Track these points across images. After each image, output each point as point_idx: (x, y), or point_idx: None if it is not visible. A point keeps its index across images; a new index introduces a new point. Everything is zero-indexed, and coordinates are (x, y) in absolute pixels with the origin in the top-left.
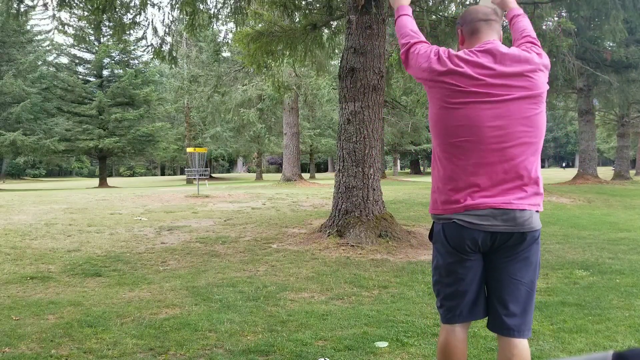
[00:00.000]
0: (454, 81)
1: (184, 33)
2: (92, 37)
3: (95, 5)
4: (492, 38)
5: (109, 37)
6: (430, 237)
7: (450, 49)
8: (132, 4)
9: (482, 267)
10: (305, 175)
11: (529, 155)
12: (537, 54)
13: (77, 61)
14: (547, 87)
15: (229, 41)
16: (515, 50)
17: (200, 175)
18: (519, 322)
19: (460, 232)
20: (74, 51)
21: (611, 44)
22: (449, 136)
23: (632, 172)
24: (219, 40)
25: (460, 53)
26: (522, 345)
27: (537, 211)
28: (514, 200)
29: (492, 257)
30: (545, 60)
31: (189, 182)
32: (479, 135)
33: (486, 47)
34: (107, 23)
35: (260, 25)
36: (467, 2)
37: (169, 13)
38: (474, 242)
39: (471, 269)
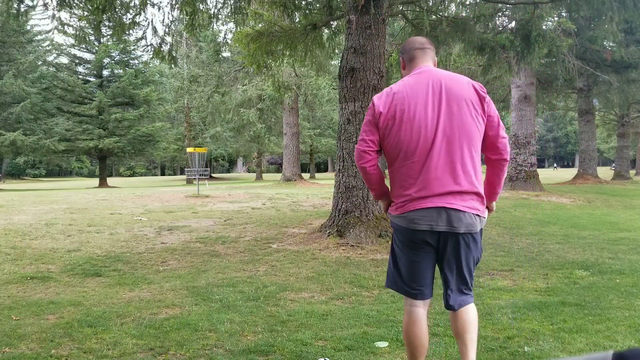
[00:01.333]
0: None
1: (184, 33)
2: (92, 37)
3: (95, 5)
4: (427, 63)
5: (109, 37)
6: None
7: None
8: (132, 4)
9: (433, 258)
10: (305, 175)
11: (467, 161)
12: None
13: (77, 61)
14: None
15: (229, 41)
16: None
17: (200, 175)
18: (463, 297)
19: (411, 230)
20: (74, 51)
21: (611, 44)
22: (401, 150)
23: (632, 172)
24: (219, 40)
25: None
26: (468, 311)
27: (476, 215)
28: (453, 201)
29: (440, 249)
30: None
31: (189, 182)
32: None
33: (420, 70)
34: (107, 23)
35: (260, 25)
36: (467, 2)
37: (169, 13)
38: (421, 239)
39: (422, 259)
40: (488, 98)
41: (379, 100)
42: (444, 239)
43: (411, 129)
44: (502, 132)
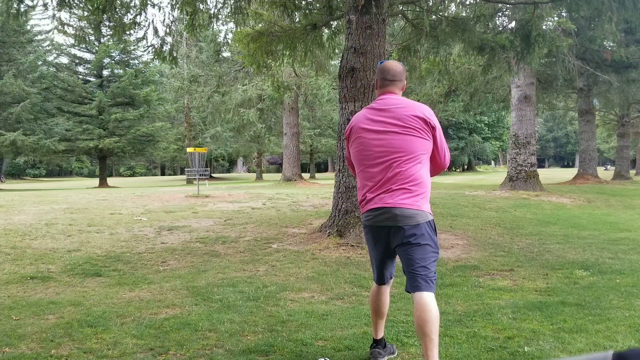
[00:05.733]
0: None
1: (184, 33)
2: (92, 37)
3: (95, 5)
4: (393, 92)
5: (109, 37)
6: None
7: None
8: (132, 4)
9: (384, 251)
10: (306, 175)
11: (407, 168)
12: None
13: (77, 61)
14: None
15: (229, 41)
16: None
17: (200, 175)
18: (421, 283)
19: (367, 226)
20: (74, 51)
21: (611, 44)
22: (357, 160)
23: (632, 172)
24: (219, 40)
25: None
26: (425, 297)
27: (418, 209)
28: (389, 200)
29: (396, 245)
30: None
31: (189, 182)
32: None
33: (381, 98)
34: (107, 23)
35: (260, 25)
36: (467, 2)
37: (169, 13)
38: (375, 234)
39: (377, 251)
40: (433, 123)
41: (347, 125)
42: (389, 232)
43: (360, 145)
44: (441, 152)
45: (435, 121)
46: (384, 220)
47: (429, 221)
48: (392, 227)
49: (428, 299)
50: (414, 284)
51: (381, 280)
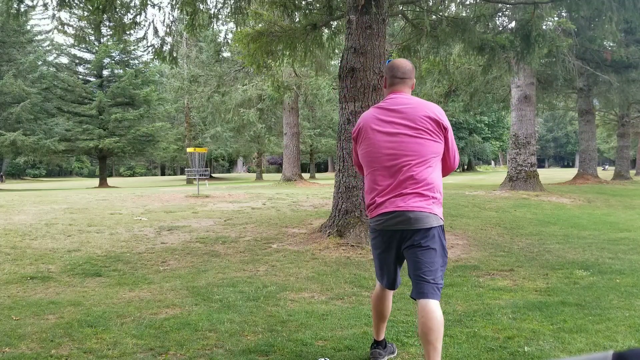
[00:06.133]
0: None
1: (184, 33)
2: (92, 37)
3: (95, 5)
4: (403, 90)
5: (109, 37)
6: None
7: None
8: (132, 4)
9: (395, 255)
10: (306, 175)
11: (418, 171)
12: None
13: (77, 61)
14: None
15: (229, 41)
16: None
17: (200, 175)
18: (427, 289)
19: (378, 231)
20: (74, 51)
21: (611, 44)
22: (365, 162)
23: (632, 172)
24: (219, 40)
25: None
26: (431, 304)
27: (431, 212)
28: (401, 204)
29: (405, 247)
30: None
31: (189, 182)
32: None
33: (390, 97)
34: (107, 23)
35: (260, 25)
36: (467, 2)
37: (169, 13)
38: (386, 238)
39: (388, 256)
40: (445, 124)
41: (355, 125)
42: (401, 236)
43: (369, 146)
44: (451, 153)
45: (446, 122)
46: (396, 224)
47: (440, 225)
48: (404, 231)
49: (434, 307)
50: (420, 291)
51: (392, 285)
